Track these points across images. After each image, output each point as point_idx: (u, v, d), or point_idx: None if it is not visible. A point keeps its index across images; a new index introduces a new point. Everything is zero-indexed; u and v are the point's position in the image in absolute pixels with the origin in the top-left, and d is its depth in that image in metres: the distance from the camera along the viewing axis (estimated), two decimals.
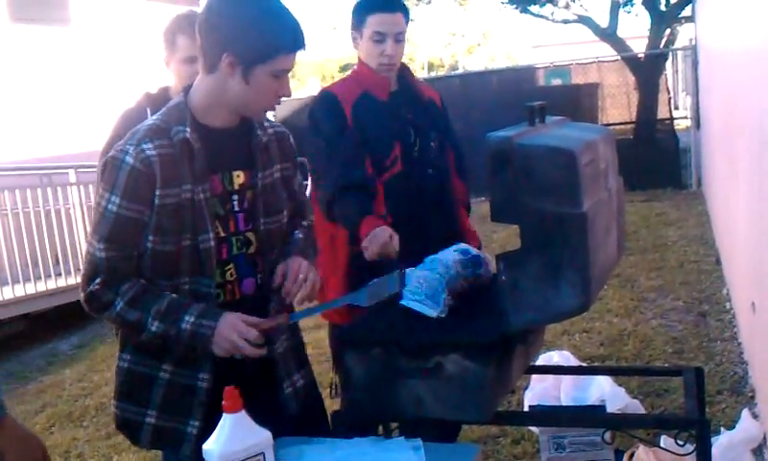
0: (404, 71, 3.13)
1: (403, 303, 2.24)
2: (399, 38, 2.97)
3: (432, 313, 2.20)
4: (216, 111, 2.11)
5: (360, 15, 2.99)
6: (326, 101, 2.98)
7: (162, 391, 2.15)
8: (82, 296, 2.08)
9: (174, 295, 2.07)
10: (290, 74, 2.15)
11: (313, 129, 2.95)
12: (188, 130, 2.06)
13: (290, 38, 2.05)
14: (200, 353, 2.08)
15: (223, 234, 2.13)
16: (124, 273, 2.05)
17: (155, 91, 3.09)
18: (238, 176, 2.15)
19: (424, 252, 2.43)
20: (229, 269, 2.16)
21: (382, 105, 2.97)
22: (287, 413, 2.27)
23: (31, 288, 7.75)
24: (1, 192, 7.75)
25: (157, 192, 2.02)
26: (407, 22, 3.02)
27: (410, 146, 2.97)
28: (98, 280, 2.04)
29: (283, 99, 2.17)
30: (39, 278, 7.85)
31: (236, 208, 2.16)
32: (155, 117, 2.13)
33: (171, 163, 2.03)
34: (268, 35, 2.02)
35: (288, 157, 2.29)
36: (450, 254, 2.39)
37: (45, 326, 8.05)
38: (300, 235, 2.34)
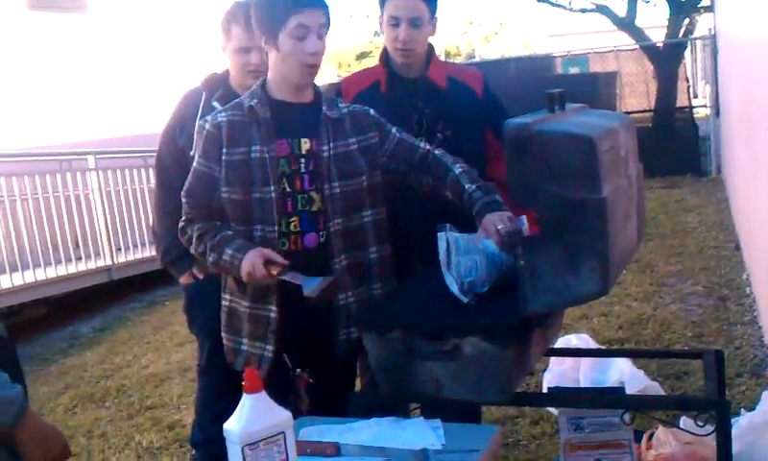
0: (430, 57, 3.09)
1: (446, 274, 2.27)
2: (416, 24, 2.94)
3: (464, 300, 2.24)
4: (282, 87, 2.53)
5: (382, 1, 3.00)
6: (334, 91, 3.02)
7: (246, 322, 2.57)
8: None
9: (228, 232, 2.50)
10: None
11: None
12: (255, 100, 2.50)
13: (291, 1, 2.40)
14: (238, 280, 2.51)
15: (288, 190, 2.50)
16: (200, 215, 2.54)
17: (219, 73, 3.20)
18: (305, 142, 2.51)
19: (421, 250, 2.48)
20: (293, 221, 2.50)
21: (383, 95, 2.97)
22: (337, 357, 2.58)
23: (51, 272, 7.82)
24: (21, 178, 7.81)
25: (224, 150, 2.47)
26: (431, 8, 2.98)
27: None
28: (183, 219, 2.58)
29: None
30: (60, 262, 7.92)
31: (302, 170, 2.51)
32: (240, 97, 2.60)
33: (239, 127, 2.49)
34: (275, 4, 2.42)
35: (366, 129, 2.59)
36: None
37: (66, 309, 8.13)
38: (473, 187, 2.53)
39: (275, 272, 2.38)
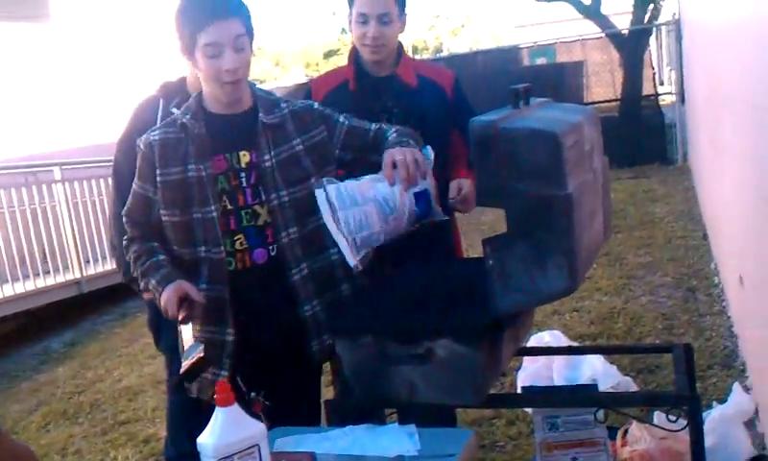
0: (400, 55, 3.06)
1: (336, 236, 2.23)
2: (385, 20, 2.92)
3: (353, 262, 2.22)
4: (213, 101, 2.43)
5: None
6: (303, 92, 3.01)
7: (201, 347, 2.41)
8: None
9: (159, 258, 2.40)
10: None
11: None
12: (188, 116, 2.40)
13: (204, 16, 2.27)
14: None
15: (230, 207, 2.39)
16: (139, 236, 2.45)
17: (174, 80, 3.12)
18: (244, 155, 2.41)
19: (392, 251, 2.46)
20: (238, 239, 2.40)
21: (352, 94, 2.96)
22: (312, 366, 2.54)
23: (20, 287, 7.74)
24: None
25: (158, 171, 2.37)
26: (400, 5, 2.96)
27: None
28: (125, 238, 2.50)
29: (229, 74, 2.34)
30: (28, 276, 7.83)
31: (244, 184, 2.40)
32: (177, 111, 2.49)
33: (173, 145, 2.38)
34: (187, 21, 2.30)
35: (310, 126, 2.47)
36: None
37: (36, 324, 8.04)
38: (393, 134, 2.48)
39: (180, 317, 2.28)
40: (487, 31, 45.70)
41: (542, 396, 2.58)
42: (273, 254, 2.41)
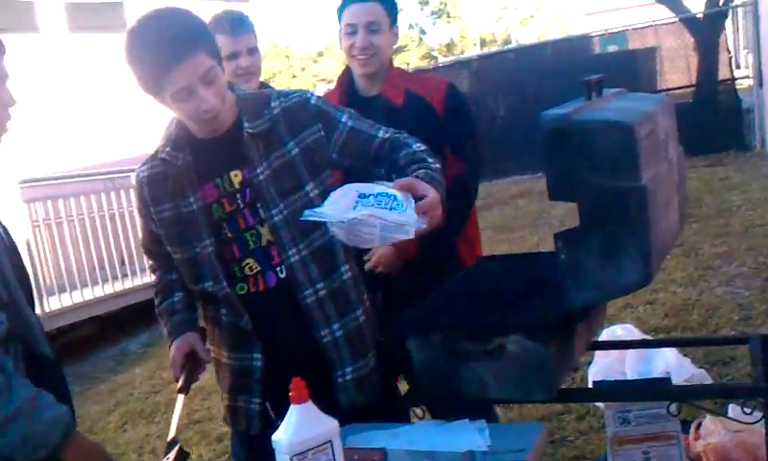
0: (389, 71, 2.91)
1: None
2: (373, 29, 2.81)
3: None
4: (192, 126, 2.19)
5: (339, 12, 2.91)
6: None
7: (227, 374, 2.34)
8: None
9: (173, 300, 2.36)
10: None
11: None
12: (168, 149, 2.21)
13: (155, 64, 2.00)
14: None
15: (230, 235, 2.21)
16: (158, 265, 2.41)
17: None
18: (236, 175, 2.20)
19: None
20: (248, 264, 2.22)
21: None
22: (340, 403, 2.26)
23: (99, 291, 7.96)
24: (67, 200, 7.95)
25: (152, 209, 2.25)
26: (391, 15, 2.85)
27: None
28: (148, 264, 2.48)
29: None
30: (107, 280, 8.05)
31: (241, 206, 2.21)
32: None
33: (161, 181, 2.22)
34: (141, 68, 2.03)
35: (305, 124, 2.21)
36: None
37: (114, 327, 8.25)
38: (416, 161, 2.16)
39: (179, 386, 2.26)
40: (555, 20, 45.08)
41: (613, 390, 2.54)
42: (282, 276, 2.21)
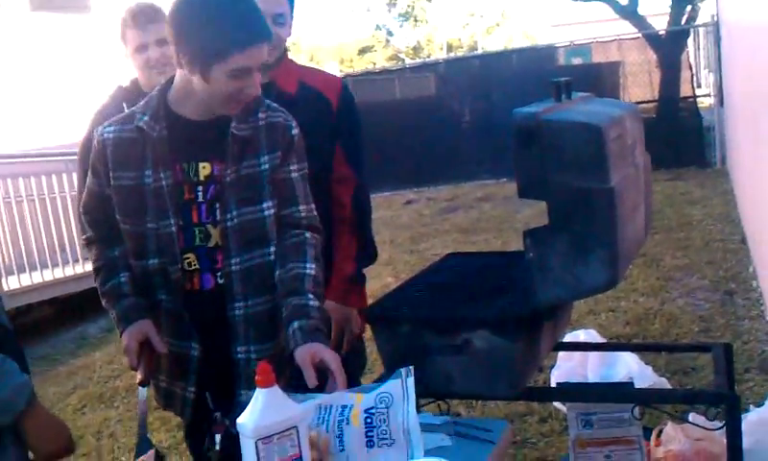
0: (279, 60, 2.77)
1: None
2: (280, 21, 2.70)
3: None
4: (188, 103, 2.15)
5: None
6: None
7: (165, 358, 2.25)
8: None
9: (120, 280, 2.22)
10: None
11: None
12: (147, 118, 2.13)
13: (241, 36, 2.00)
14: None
15: (181, 223, 2.15)
16: (98, 235, 2.27)
17: (127, 84, 3.08)
18: (204, 167, 2.15)
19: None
20: (188, 259, 2.17)
21: None
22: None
23: (59, 273, 7.85)
24: (28, 178, 7.83)
25: (111, 173, 2.16)
26: (291, 6, 2.79)
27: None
28: (84, 237, 2.33)
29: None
30: (67, 262, 7.94)
31: (200, 199, 2.16)
32: (135, 106, 2.23)
33: (128, 147, 2.14)
34: (216, 34, 1.99)
35: (277, 146, 2.19)
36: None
37: (74, 309, 8.14)
38: (311, 298, 2.13)
39: (139, 379, 2.14)
40: (521, 29, 45.44)
41: (578, 390, 2.58)
42: (220, 281, 2.17)
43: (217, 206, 2.14)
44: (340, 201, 2.73)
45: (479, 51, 31.82)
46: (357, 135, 2.85)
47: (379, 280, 6.83)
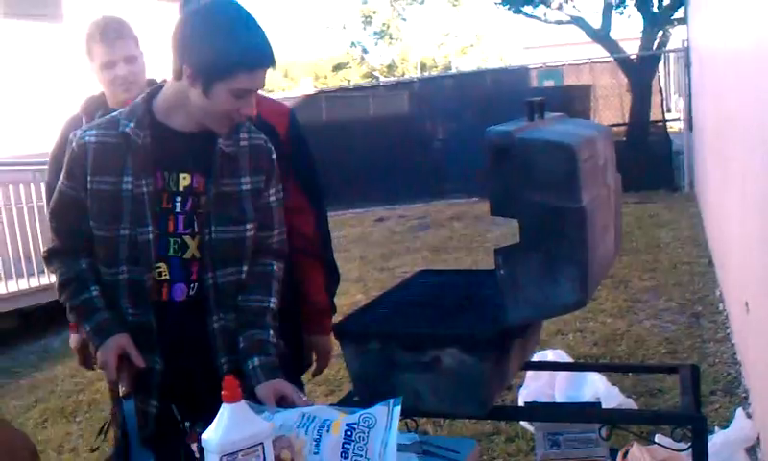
0: None
1: None
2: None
3: None
4: (176, 114, 2.14)
5: None
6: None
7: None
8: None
9: (91, 294, 2.15)
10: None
11: None
12: (132, 124, 2.11)
13: (251, 57, 2.02)
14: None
15: (157, 232, 2.12)
16: (66, 246, 2.19)
17: (96, 94, 3.05)
18: (184, 178, 2.14)
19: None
20: (159, 268, 2.14)
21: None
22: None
23: (23, 284, 7.73)
24: None
25: (89, 177, 2.11)
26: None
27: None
28: (48, 248, 2.23)
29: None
30: (32, 274, 7.83)
31: (177, 210, 2.14)
32: (117, 112, 2.21)
33: (110, 152, 2.11)
34: (227, 52, 2.00)
35: (261, 170, 2.21)
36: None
37: (37, 322, 8.02)
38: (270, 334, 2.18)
39: (123, 392, 2.12)
40: (495, 51, 45.77)
41: (547, 410, 2.58)
42: (192, 293, 2.16)
43: (195, 218, 2.14)
44: (301, 232, 2.67)
45: (453, 71, 31.99)
46: (311, 164, 2.80)
47: (349, 297, 6.81)
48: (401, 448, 1.89)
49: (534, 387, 3.97)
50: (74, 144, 2.14)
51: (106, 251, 2.14)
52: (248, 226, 2.17)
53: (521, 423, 3.92)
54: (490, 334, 2.06)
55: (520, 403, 3.95)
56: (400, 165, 13.57)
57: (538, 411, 2.66)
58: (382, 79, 33.22)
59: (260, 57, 2.04)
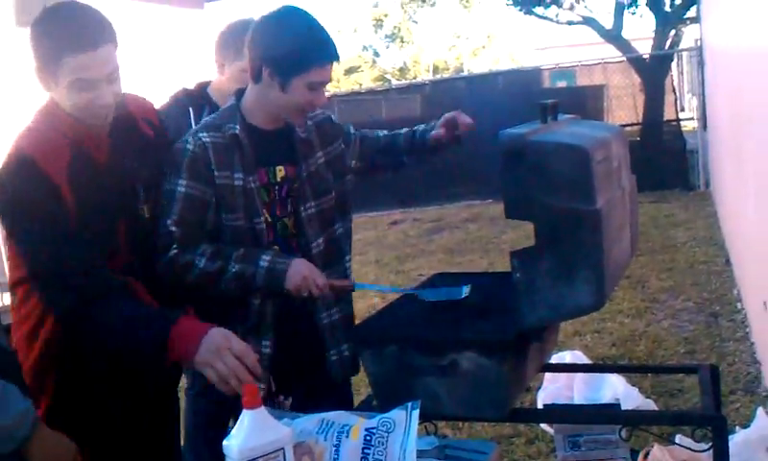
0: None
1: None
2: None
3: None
4: (261, 115, 2.45)
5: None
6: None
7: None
8: (158, 269, 2.32)
9: (246, 248, 2.38)
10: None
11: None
12: (238, 127, 2.40)
13: (322, 52, 2.35)
14: (273, 290, 2.36)
15: (270, 220, 2.45)
16: (196, 242, 2.34)
17: (192, 87, 3.12)
18: (280, 170, 2.47)
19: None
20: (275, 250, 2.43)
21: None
22: (332, 380, 2.56)
23: None
24: None
25: (215, 173, 2.36)
26: None
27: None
28: (174, 248, 2.31)
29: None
30: None
31: (277, 198, 2.47)
32: (209, 117, 2.53)
33: (222, 151, 2.38)
34: (300, 50, 2.31)
35: (332, 139, 2.59)
36: None
37: None
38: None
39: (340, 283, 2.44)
40: (507, 52, 45.72)
41: (566, 412, 2.57)
42: None
43: (289, 200, 2.48)
44: None
45: (465, 73, 31.95)
46: None
47: (365, 301, 6.80)
48: (422, 453, 1.90)
49: (552, 389, 3.95)
50: (190, 147, 2.35)
51: (234, 239, 2.39)
52: (333, 194, 2.56)
53: (541, 425, 3.91)
54: (507, 337, 2.05)
55: (539, 406, 3.94)
56: (414, 168, 13.55)
57: (557, 413, 2.66)
58: (394, 82, 33.22)
59: (329, 52, 2.37)
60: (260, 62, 2.34)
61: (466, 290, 2.33)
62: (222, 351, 1.94)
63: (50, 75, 2.07)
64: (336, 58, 2.39)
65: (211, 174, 2.35)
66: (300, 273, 2.32)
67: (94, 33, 2.05)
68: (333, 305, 2.54)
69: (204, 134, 2.38)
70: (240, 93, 2.48)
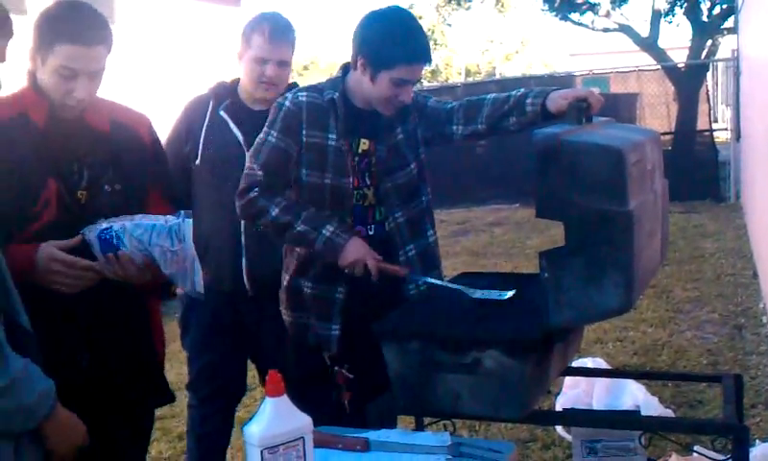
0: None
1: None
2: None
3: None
4: (357, 95, 2.64)
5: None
6: None
7: (311, 302, 2.67)
8: (238, 206, 2.62)
9: (325, 212, 2.59)
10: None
11: None
12: (337, 94, 2.61)
13: (408, 53, 2.52)
14: (326, 260, 2.57)
15: (355, 182, 2.62)
16: (276, 190, 2.59)
17: (228, 81, 3.12)
18: (364, 143, 2.65)
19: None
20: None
21: (37, 128, 2.21)
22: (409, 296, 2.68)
23: None
24: None
25: (304, 131, 2.58)
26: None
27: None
28: (255, 190, 2.58)
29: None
30: None
31: (357, 169, 2.63)
32: (320, 82, 2.77)
33: (319, 112, 2.60)
34: (390, 47, 2.50)
35: (407, 115, 2.70)
36: None
37: None
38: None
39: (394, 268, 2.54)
40: (540, 57, 45.50)
41: (585, 415, 2.55)
42: (370, 233, 2.64)
43: (368, 173, 2.65)
44: None
45: (497, 76, 31.85)
46: (169, 173, 2.65)
47: None
48: (436, 449, 1.90)
49: (572, 395, 3.93)
50: (288, 103, 2.60)
51: (316, 195, 2.60)
52: (412, 166, 2.70)
53: (558, 430, 3.89)
54: (531, 337, 2.04)
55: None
56: (441, 170, 13.53)
57: (576, 417, 2.64)
58: (426, 84, 33.18)
59: (416, 54, 2.54)
60: (357, 52, 2.56)
61: (510, 293, 2.35)
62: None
63: (40, 56, 2.18)
64: (424, 60, 2.56)
65: (300, 131, 2.58)
66: (355, 253, 2.49)
67: (92, 32, 2.17)
68: (409, 242, 2.68)
69: (303, 94, 2.62)
70: (346, 68, 2.67)
